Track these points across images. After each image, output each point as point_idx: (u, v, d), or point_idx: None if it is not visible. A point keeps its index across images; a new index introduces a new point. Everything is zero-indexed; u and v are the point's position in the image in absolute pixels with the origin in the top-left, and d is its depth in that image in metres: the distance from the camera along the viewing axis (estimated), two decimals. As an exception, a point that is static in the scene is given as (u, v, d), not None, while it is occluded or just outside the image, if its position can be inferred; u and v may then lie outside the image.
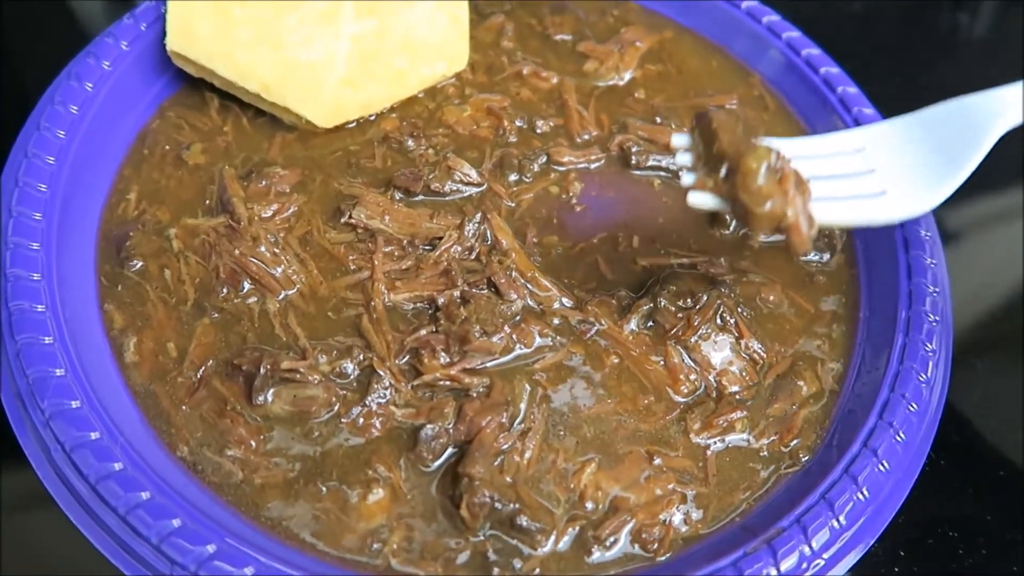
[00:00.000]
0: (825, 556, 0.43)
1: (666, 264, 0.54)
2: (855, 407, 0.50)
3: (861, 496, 0.44)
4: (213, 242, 0.51)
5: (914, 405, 0.48)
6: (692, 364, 0.50)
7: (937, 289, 0.53)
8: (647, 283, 0.53)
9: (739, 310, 0.52)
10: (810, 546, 0.43)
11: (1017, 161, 0.75)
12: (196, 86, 0.59)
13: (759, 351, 0.51)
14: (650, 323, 0.51)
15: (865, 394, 0.50)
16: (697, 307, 0.51)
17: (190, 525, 0.40)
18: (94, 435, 0.42)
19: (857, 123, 0.61)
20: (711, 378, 0.50)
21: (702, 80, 0.66)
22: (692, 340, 0.50)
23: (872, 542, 0.45)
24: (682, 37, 0.68)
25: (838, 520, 0.44)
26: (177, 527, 0.40)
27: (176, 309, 0.49)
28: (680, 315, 0.51)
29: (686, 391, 0.49)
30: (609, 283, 0.53)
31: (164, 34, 0.57)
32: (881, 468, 0.45)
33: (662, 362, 0.50)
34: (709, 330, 0.51)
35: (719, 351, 0.51)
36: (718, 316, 0.51)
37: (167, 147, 0.57)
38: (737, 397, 0.49)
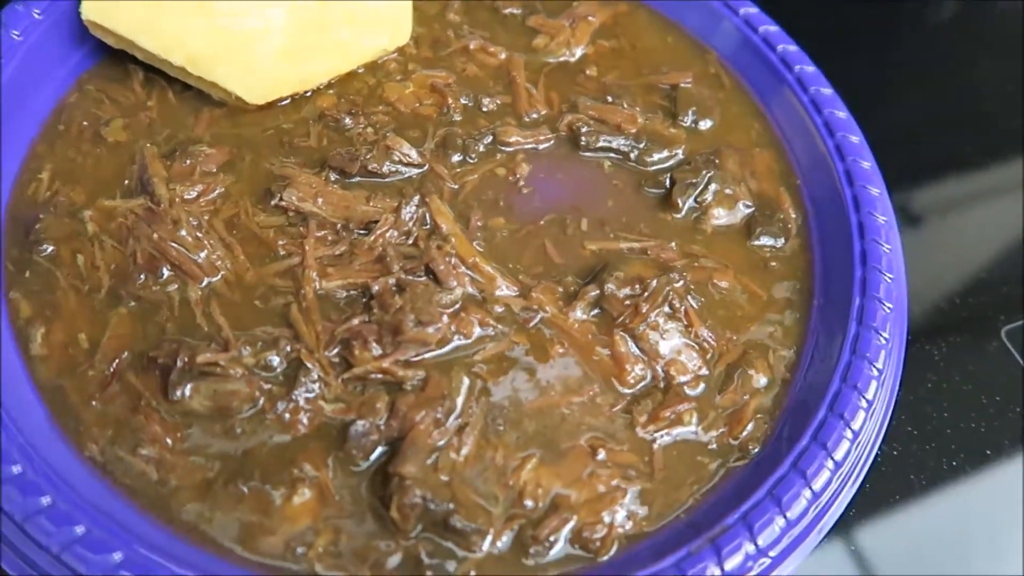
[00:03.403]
0: (771, 554, 0.41)
1: (615, 249, 0.52)
2: (807, 397, 0.48)
3: (809, 491, 0.43)
4: (131, 225, 0.48)
5: (866, 397, 0.46)
6: (639, 353, 0.48)
7: (892, 276, 0.51)
8: (595, 268, 0.51)
9: (689, 297, 0.50)
10: (755, 544, 0.41)
11: (982, 143, 0.74)
12: (119, 57, 0.56)
13: (709, 340, 0.49)
14: (597, 310, 0.49)
15: (817, 384, 0.48)
16: (646, 294, 0.49)
17: (95, 533, 0.37)
18: (-9, 436, 0.39)
19: (814, 103, 0.59)
20: (659, 368, 0.48)
21: (657, 57, 0.63)
22: (640, 328, 0.48)
23: (820, 538, 0.43)
24: (637, 12, 0.65)
25: (785, 516, 0.42)
26: (80, 535, 0.37)
27: (89, 297, 0.46)
28: (628, 302, 0.49)
29: (633, 381, 0.47)
30: (557, 267, 0.51)
31: (80, 1, 0.53)
32: (830, 462, 0.44)
33: (608, 352, 0.48)
34: (658, 318, 0.49)
35: (668, 340, 0.49)
36: (667, 303, 0.49)
37: (85, 123, 0.53)
38: (686, 389, 0.47)
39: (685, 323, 0.49)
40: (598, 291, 0.49)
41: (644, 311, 0.48)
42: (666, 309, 0.49)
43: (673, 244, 0.53)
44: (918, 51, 0.82)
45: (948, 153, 0.73)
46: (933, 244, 0.67)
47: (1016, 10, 0.86)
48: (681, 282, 0.49)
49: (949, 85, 0.79)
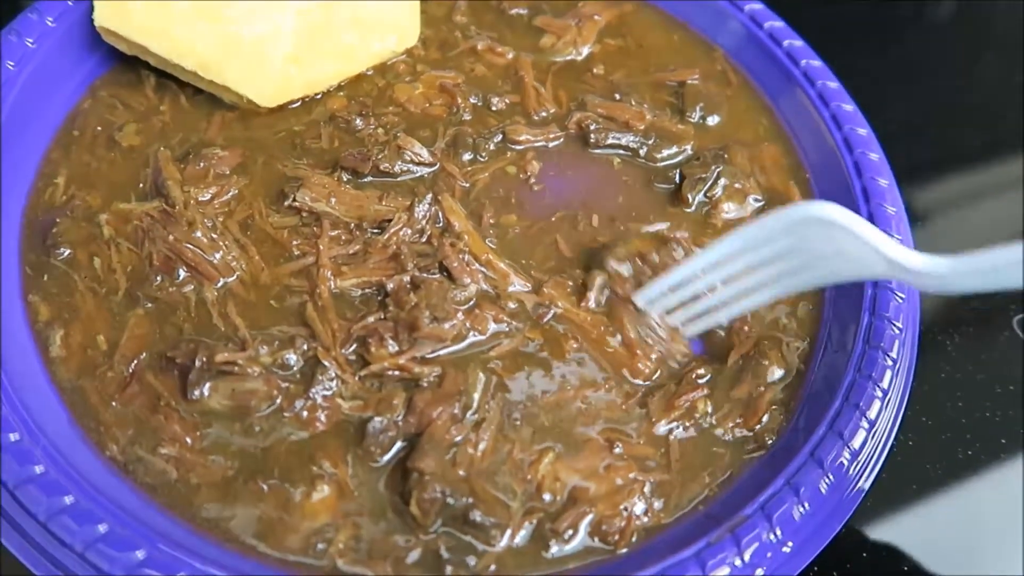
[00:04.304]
0: (791, 543, 0.41)
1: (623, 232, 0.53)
2: (821, 388, 0.48)
3: (827, 480, 0.43)
4: (146, 228, 0.48)
5: (881, 386, 0.46)
6: (650, 331, 0.48)
7: (903, 266, 0.51)
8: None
9: None
10: (775, 533, 0.41)
11: (983, 141, 0.74)
12: (131, 63, 0.56)
13: None
14: (608, 293, 0.49)
15: (831, 375, 0.48)
16: (648, 268, 0.49)
17: (118, 530, 0.38)
18: (13, 436, 0.39)
19: (821, 97, 0.59)
20: (671, 348, 0.48)
21: (663, 55, 0.64)
22: None
23: (839, 527, 0.43)
24: (642, 10, 0.66)
25: (803, 505, 0.42)
26: (103, 533, 0.37)
27: (107, 299, 0.46)
28: (632, 278, 0.49)
29: (646, 371, 0.47)
30: (568, 261, 0.51)
31: (93, 8, 0.53)
32: (847, 451, 0.44)
33: (620, 338, 0.48)
34: None
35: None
36: None
37: (99, 128, 0.54)
38: (698, 379, 0.47)
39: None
40: (604, 274, 0.49)
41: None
42: None
43: (687, 233, 0.53)
44: (919, 48, 0.82)
45: (952, 148, 0.73)
46: (941, 237, 0.67)
47: (1016, 8, 0.86)
48: (680, 251, 0.50)
49: (951, 81, 0.79)
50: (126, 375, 0.44)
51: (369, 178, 0.53)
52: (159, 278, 0.47)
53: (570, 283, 0.50)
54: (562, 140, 0.57)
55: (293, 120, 0.55)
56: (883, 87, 0.75)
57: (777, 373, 0.49)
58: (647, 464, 0.45)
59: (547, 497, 0.43)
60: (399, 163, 0.53)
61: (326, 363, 0.44)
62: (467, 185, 0.54)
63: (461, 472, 0.42)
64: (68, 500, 0.38)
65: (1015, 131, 0.75)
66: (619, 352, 0.48)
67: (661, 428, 0.46)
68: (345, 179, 0.52)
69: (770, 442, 0.46)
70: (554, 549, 0.42)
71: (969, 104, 0.78)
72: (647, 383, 0.47)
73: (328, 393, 0.44)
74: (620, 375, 0.47)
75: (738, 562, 0.40)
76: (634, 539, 0.42)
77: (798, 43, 0.62)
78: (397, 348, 0.45)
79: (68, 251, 0.48)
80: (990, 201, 0.71)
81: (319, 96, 0.57)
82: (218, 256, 0.48)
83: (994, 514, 0.52)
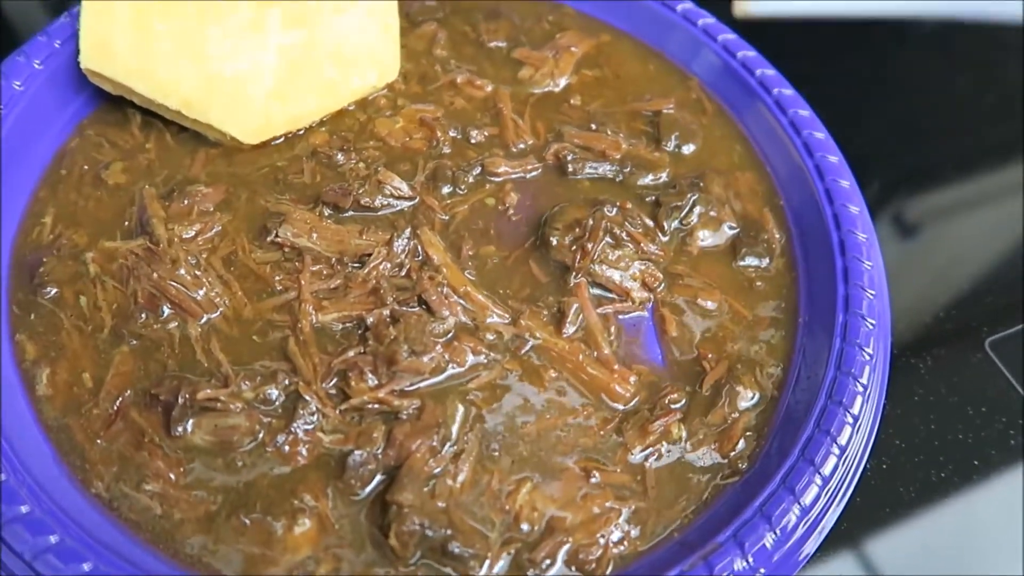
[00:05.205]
0: (763, 570, 0.42)
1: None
2: (794, 414, 0.49)
3: (798, 507, 0.44)
4: (131, 266, 0.49)
5: (851, 412, 0.47)
6: (607, 295, 0.52)
7: (874, 292, 0.53)
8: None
9: (627, 223, 0.53)
10: (747, 560, 0.42)
11: (959, 159, 0.75)
12: (117, 103, 0.57)
13: (657, 251, 0.53)
14: (580, 317, 0.51)
15: (804, 400, 0.49)
16: (586, 234, 0.52)
17: (102, 568, 0.38)
18: (1, 477, 0.40)
19: (793, 125, 0.61)
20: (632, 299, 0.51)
21: (640, 84, 0.65)
22: (595, 268, 0.51)
23: (812, 552, 0.44)
24: (619, 41, 0.67)
25: (775, 532, 0.43)
26: (88, 571, 0.38)
27: (92, 337, 0.47)
28: (574, 247, 0.52)
29: (627, 396, 0.48)
30: (543, 287, 0.52)
31: (79, 50, 0.54)
32: (818, 477, 0.45)
33: (595, 354, 0.49)
34: (605, 250, 0.52)
35: (625, 268, 0.52)
36: (608, 234, 0.52)
37: (86, 167, 0.55)
38: (673, 406, 0.48)
39: (632, 246, 0.52)
40: (546, 248, 0.52)
41: (589, 248, 0.51)
42: (608, 240, 0.52)
43: (665, 238, 0.55)
44: (900, 65, 0.84)
45: (929, 167, 0.75)
46: (916, 258, 0.69)
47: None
48: (614, 210, 0.53)
49: (927, 98, 0.81)
50: (111, 412, 0.45)
51: (350, 213, 0.54)
52: (144, 315, 0.48)
53: (545, 312, 0.51)
54: (540, 171, 0.59)
55: (276, 156, 0.57)
56: (857, 104, 0.76)
57: (751, 399, 0.50)
58: (623, 492, 0.46)
59: (525, 527, 0.44)
60: (379, 197, 0.54)
61: (307, 397, 0.45)
62: (446, 218, 0.55)
63: (440, 504, 0.43)
64: (53, 539, 0.39)
65: (993, 147, 0.76)
66: (597, 379, 0.49)
67: (637, 455, 0.47)
68: (327, 214, 0.53)
69: (743, 468, 0.47)
70: (532, 579, 0.42)
71: (946, 119, 0.79)
72: (625, 408, 0.48)
73: (309, 427, 0.45)
74: (598, 400, 0.48)
75: (711, 589, 0.41)
76: (610, 567, 0.43)
77: (770, 72, 0.64)
78: (377, 382, 0.46)
79: (55, 290, 0.49)
80: (969, 216, 0.72)
81: (302, 132, 0.58)
82: (201, 293, 0.49)
83: (967, 534, 0.53)
